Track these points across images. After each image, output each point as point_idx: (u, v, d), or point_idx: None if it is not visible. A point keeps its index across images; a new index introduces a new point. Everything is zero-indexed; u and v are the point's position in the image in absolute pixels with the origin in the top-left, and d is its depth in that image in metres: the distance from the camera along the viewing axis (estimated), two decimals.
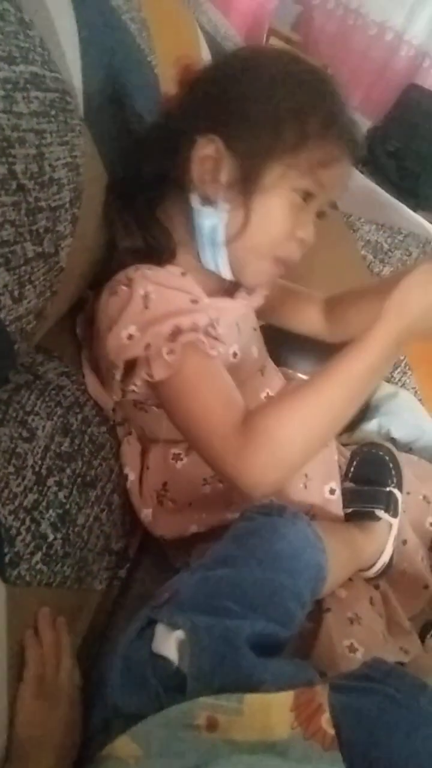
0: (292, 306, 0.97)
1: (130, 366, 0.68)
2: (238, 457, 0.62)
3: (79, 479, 0.70)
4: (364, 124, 2.93)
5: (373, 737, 0.50)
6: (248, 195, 0.69)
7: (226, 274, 0.75)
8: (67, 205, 0.63)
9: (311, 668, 0.62)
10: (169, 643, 0.58)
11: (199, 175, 0.70)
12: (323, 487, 0.83)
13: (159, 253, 0.73)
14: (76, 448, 0.71)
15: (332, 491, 0.83)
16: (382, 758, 0.50)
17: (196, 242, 0.73)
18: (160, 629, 0.59)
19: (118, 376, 0.69)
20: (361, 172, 2.25)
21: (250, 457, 0.62)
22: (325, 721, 0.50)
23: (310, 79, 0.71)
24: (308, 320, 0.97)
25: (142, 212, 0.73)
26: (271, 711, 0.52)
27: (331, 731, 0.50)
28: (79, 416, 0.73)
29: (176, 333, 0.65)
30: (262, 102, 0.68)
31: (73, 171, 0.63)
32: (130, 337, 0.67)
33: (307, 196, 0.71)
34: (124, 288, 0.69)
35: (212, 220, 0.71)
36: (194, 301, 0.70)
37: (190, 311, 0.68)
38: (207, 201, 0.71)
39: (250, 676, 0.55)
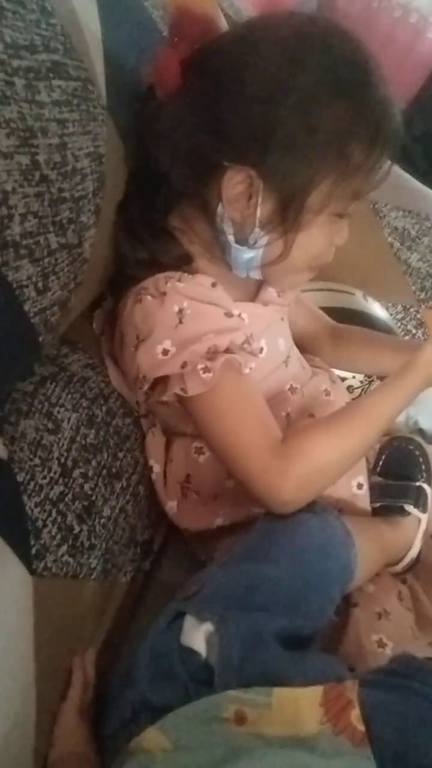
0: (303, 323, 0.97)
1: (161, 380, 0.68)
2: (275, 477, 0.65)
3: (104, 471, 0.70)
4: None
5: (402, 733, 0.50)
6: (288, 230, 0.67)
7: (259, 277, 0.75)
8: (90, 195, 0.62)
9: (340, 663, 0.61)
10: (197, 635, 0.57)
11: (232, 212, 0.67)
12: (351, 481, 0.82)
13: (174, 261, 0.71)
14: (101, 439, 0.71)
15: (360, 486, 0.82)
16: (413, 754, 0.49)
17: (229, 259, 0.72)
18: (189, 622, 0.59)
19: (145, 387, 0.69)
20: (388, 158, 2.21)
21: (288, 479, 0.65)
22: (355, 716, 0.50)
23: (349, 77, 0.63)
24: (315, 341, 0.98)
25: (153, 222, 0.71)
26: (300, 705, 0.51)
27: (361, 727, 0.49)
28: (104, 408, 0.73)
29: (213, 352, 0.65)
30: (298, 125, 0.62)
31: (96, 161, 0.63)
32: (165, 352, 0.66)
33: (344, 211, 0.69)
34: (151, 299, 0.68)
35: (248, 254, 0.70)
36: (228, 315, 0.69)
37: (226, 330, 0.67)
38: (242, 239, 0.69)
39: (279, 670, 0.55)
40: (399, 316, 1.31)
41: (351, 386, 1.08)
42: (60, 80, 0.57)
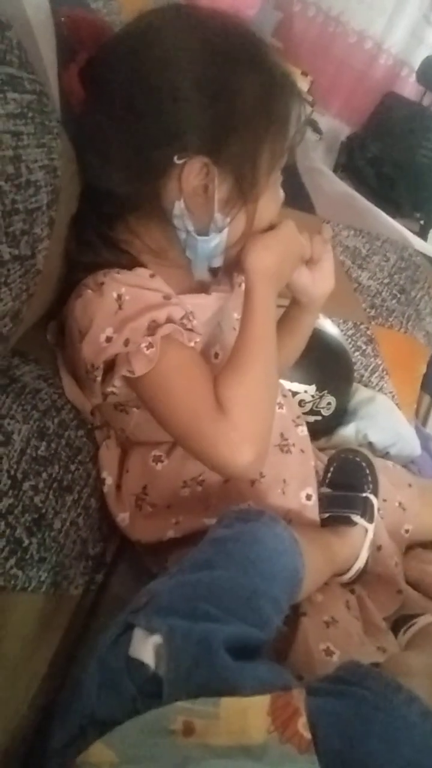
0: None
1: (110, 366, 0.68)
2: (228, 433, 0.66)
3: (55, 483, 0.69)
4: (343, 130, 2.96)
5: (348, 740, 0.50)
6: (248, 202, 0.69)
7: (220, 264, 0.76)
8: (44, 208, 0.62)
9: (287, 672, 0.62)
10: (146, 647, 0.57)
11: (192, 206, 0.68)
12: (300, 492, 0.84)
13: (118, 265, 0.71)
14: (52, 452, 0.70)
15: (309, 497, 0.84)
16: (358, 761, 0.50)
17: (191, 255, 0.73)
18: (138, 634, 0.58)
19: (99, 377, 0.69)
20: (341, 179, 2.27)
21: (238, 429, 0.66)
22: (302, 725, 0.50)
23: (247, 53, 0.66)
24: None
25: (103, 236, 0.71)
26: (248, 715, 0.51)
27: (308, 735, 0.50)
28: (56, 420, 0.73)
29: (153, 327, 0.66)
30: (219, 99, 0.64)
31: (50, 173, 0.63)
32: (108, 339, 0.67)
33: None
34: (90, 292, 0.68)
35: (214, 241, 0.71)
36: (167, 297, 0.70)
37: (164, 305, 0.69)
38: (202, 230, 0.70)
39: (227, 680, 0.55)
40: (350, 332, 1.34)
41: (303, 400, 1.10)
42: (15, 93, 0.57)
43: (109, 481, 0.78)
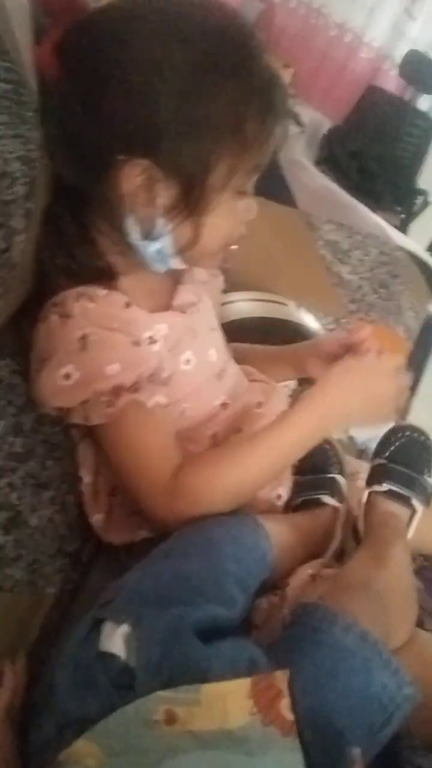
0: None
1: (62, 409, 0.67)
2: (164, 509, 0.68)
3: (32, 480, 0.68)
4: (324, 123, 2.95)
5: (300, 683, 0.52)
6: (194, 212, 0.65)
7: (180, 266, 0.73)
8: (21, 200, 0.61)
9: (252, 646, 0.60)
10: (115, 639, 0.56)
11: (132, 206, 0.65)
12: (271, 492, 0.83)
13: (94, 272, 0.68)
14: (29, 448, 0.69)
15: (279, 497, 0.83)
16: (314, 699, 0.52)
17: (140, 257, 0.70)
18: (107, 627, 0.57)
19: (47, 411, 0.68)
20: (322, 171, 2.27)
21: (176, 511, 0.68)
22: (284, 706, 0.51)
23: (230, 56, 0.62)
24: None
25: (71, 226, 0.68)
26: (228, 699, 0.51)
27: (290, 717, 0.50)
28: (32, 415, 0.71)
29: (117, 391, 0.65)
30: (185, 110, 0.61)
31: (27, 164, 0.62)
32: (67, 376, 0.64)
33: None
34: (56, 318, 0.66)
35: (155, 246, 0.68)
36: (136, 344, 0.67)
37: (133, 364, 0.66)
38: (146, 233, 0.67)
39: (197, 663, 0.54)
40: (330, 327, 1.34)
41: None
42: None
43: (87, 479, 0.77)
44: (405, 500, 0.81)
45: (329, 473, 0.87)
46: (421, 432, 0.87)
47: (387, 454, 0.85)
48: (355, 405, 0.76)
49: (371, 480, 0.83)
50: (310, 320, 1.24)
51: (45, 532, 0.69)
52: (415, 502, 0.81)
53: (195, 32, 0.61)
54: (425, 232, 2.91)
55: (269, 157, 0.68)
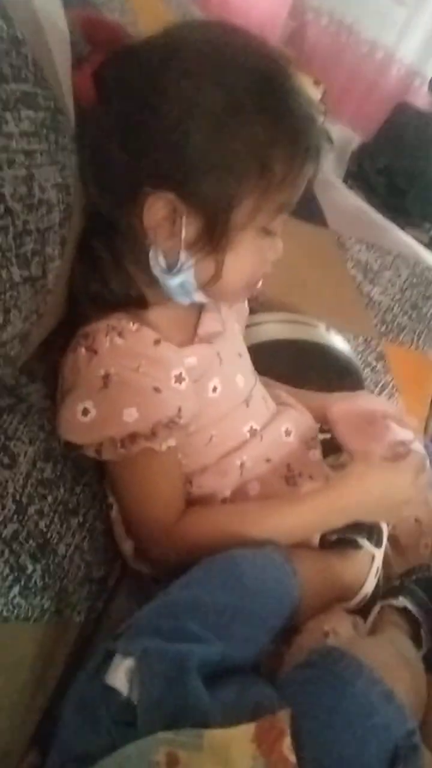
0: None
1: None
2: (160, 550, 0.71)
3: (60, 507, 0.68)
4: (354, 139, 2.94)
5: (313, 724, 0.51)
6: (216, 249, 0.65)
7: (204, 299, 0.73)
8: (57, 227, 0.61)
9: (260, 685, 0.59)
10: (119, 672, 0.55)
11: (155, 238, 0.65)
12: None
13: (127, 301, 0.68)
14: (58, 474, 0.69)
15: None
16: (325, 744, 0.51)
17: (163, 289, 0.70)
18: (116, 660, 0.56)
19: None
20: (351, 188, 2.26)
21: (164, 555, 0.71)
22: (286, 747, 0.49)
23: (263, 93, 0.61)
24: None
25: (104, 254, 0.68)
26: (232, 744, 0.50)
27: (292, 758, 0.49)
28: (62, 440, 0.71)
29: (133, 438, 0.65)
30: (214, 146, 0.61)
31: (63, 191, 0.62)
32: (85, 412, 0.64)
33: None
34: (84, 351, 0.65)
35: (178, 279, 0.68)
36: (158, 390, 0.66)
37: (151, 411, 0.65)
38: (169, 265, 0.67)
39: (196, 706, 0.53)
40: (360, 348, 1.33)
41: None
42: (29, 110, 0.56)
43: (117, 506, 0.76)
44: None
45: None
46: None
47: None
48: (371, 505, 0.77)
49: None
50: (339, 342, 1.22)
51: (73, 559, 0.68)
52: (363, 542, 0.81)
53: (230, 74, 0.61)
54: None
55: (297, 198, 0.68)
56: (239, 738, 0.50)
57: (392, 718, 0.53)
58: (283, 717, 0.51)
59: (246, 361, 0.86)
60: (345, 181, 2.61)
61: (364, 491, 0.76)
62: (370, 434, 0.86)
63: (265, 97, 0.62)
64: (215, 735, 0.50)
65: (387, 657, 0.64)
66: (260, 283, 0.75)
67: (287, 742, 0.49)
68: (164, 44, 0.64)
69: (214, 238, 0.64)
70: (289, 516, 0.74)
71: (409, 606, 0.78)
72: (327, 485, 0.79)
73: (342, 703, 0.53)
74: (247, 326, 1.02)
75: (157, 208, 0.63)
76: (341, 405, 0.89)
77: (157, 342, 0.67)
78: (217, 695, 0.54)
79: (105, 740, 0.53)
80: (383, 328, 1.38)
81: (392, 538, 0.88)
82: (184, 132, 0.60)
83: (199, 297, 0.72)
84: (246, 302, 0.93)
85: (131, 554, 0.76)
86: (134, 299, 0.69)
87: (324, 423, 0.90)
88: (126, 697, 0.54)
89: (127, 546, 0.75)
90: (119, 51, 0.64)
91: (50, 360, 0.76)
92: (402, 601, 0.78)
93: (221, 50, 0.63)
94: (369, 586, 0.81)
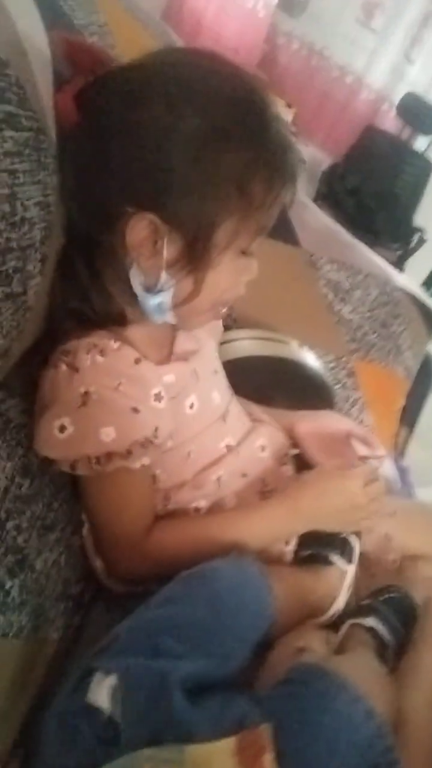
0: None
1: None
2: (127, 563, 0.73)
3: (38, 522, 0.68)
4: (324, 161, 3.01)
5: (294, 742, 0.52)
6: (196, 269, 0.66)
7: (172, 321, 0.74)
8: (38, 245, 0.62)
9: (243, 699, 0.59)
10: (101, 690, 0.55)
11: (136, 258, 0.66)
12: (284, 547, 0.82)
13: (107, 318, 0.69)
14: (36, 489, 0.69)
15: (287, 542, 0.82)
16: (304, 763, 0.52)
17: (141, 307, 0.71)
18: (96, 678, 0.56)
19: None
20: (320, 207, 2.30)
21: (134, 569, 0.73)
22: (268, 761, 0.50)
23: (241, 120, 0.63)
24: None
25: (84, 271, 0.68)
26: (213, 759, 0.50)
27: None
28: (40, 455, 0.71)
29: (109, 456, 0.66)
30: (193, 170, 0.62)
31: (44, 210, 0.63)
32: (62, 428, 0.65)
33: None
34: (64, 368, 0.66)
35: (158, 299, 0.69)
36: (135, 410, 0.67)
37: (128, 431, 0.66)
38: (150, 285, 0.68)
39: (180, 722, 0.53)
40: (331, 365, 1.35)
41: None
42: (12, 131, 0.57)
43: (89, 524, 0.76)
44: None
45: (342, 532, 0.86)
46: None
47: None
48: (326, 508, 0.80)
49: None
50: (311, 359, 1.24)
51: (50, 575, 0.68)
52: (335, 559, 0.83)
53: (207, 102, 0.62)
54: (421, 269, 2.95)
55: (273, 220, 0.70)
56: (220, 752, 0.50)
57: (374, 734, 0.54)
58: (265, 732, 0.51)
59: (221, 377, 0.87)
60: (315, 201, 2.67)
61: (317, 495, 0.79)
62: (335, 451, 0.90)
63: (245, 123, 0.63)
64: (197, 750, 0.50)
65: (366, 673, 0.65)
66: (226, 309, 0.78)
67: (269, 757, 0.50)
68: (142, 71, 0.65)
69: (194, 258, 0.65)
70: (251, 522, 0.77)
71: (378, 628, 0.78)
72: (284, 492, 0.81)
73: (324, 720, 0.53)
74: (221, 343, 1.04)
75: (139, 229, 0.64)
76: (307, 424, 0.92)
77: (137, 361, 0.68)
78: (200, 710, 0.55)
79: (87, 759, 0.53)
80: (353, 346, 1.40)
81: (362, 555, 0.89)
82: (165, 156, 0.62)
83: (170, 318, 0.73)
84: (220, 320, 0.94)
85: (103, 571, 0.76)
86: (114, 317, 0.70)
87: (292, 440, 0.92)
88: (108, 715, 0.54)
89: (98, 563, 0.75)
90: (99, 76, 0.66)
91: (28, 375, 0.77)
92: (371, 622, 0.79)
93: (201, 76, 0.64)
94: (341, 602, 0.81)
